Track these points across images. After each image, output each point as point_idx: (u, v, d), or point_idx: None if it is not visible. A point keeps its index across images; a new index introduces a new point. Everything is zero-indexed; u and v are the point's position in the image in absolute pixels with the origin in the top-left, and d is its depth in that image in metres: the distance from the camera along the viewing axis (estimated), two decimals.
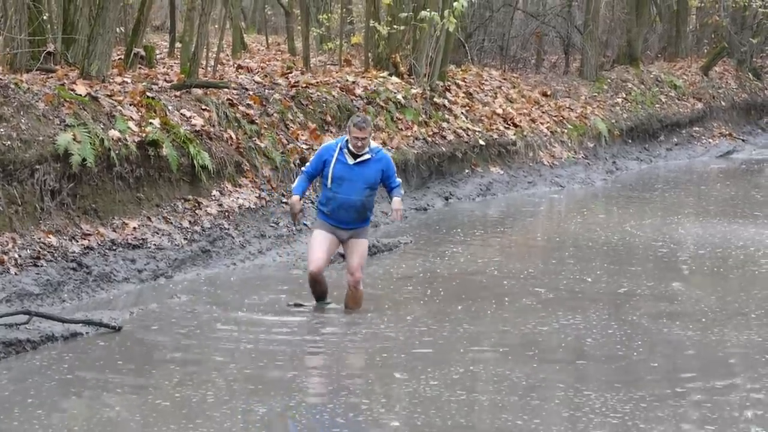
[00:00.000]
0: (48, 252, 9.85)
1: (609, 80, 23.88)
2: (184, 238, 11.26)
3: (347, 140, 9.24)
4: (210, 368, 7.88)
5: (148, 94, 12.28)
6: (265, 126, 13.79)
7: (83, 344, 8.35)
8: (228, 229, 11.87)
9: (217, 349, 8.37)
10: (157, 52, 16.89)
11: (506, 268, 11.69)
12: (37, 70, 12.13)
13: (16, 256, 9.54)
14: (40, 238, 9.93)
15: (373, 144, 9.40)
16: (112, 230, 10.74)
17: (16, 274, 9.34)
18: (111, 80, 12.41)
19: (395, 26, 17.67)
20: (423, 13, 16.91)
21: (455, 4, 16.71)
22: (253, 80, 15.05)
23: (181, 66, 14.50)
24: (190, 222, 11.61)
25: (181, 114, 12.45)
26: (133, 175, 11.26)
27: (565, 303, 10.08)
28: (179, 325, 9.02)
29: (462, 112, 18.05)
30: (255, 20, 27.84)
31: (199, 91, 13.15)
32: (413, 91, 17.13)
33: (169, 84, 13.28)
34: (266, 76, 15.63)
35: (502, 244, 13.41)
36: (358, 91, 16.10)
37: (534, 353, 8.45)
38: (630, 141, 22.63)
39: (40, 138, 10.25)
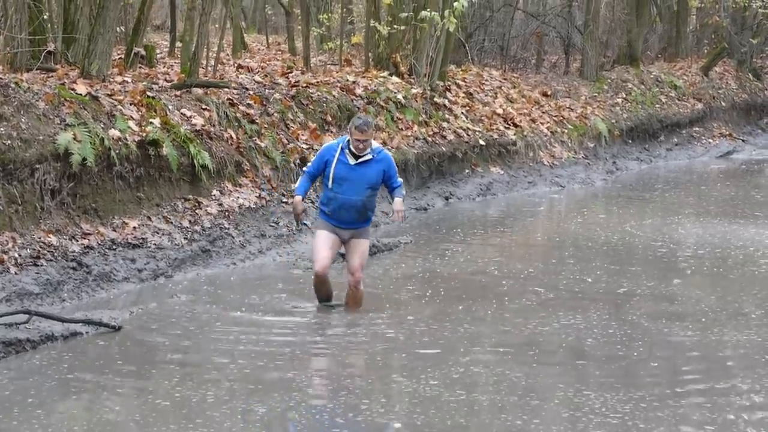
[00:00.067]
0: (48, 251, 9.85)
1: (609, 80, 23.88)
2: (184, 238, 11.26)
3: (348, 140, 9.23)
4: (210, 368, 7.88)
5: (149, 93, 12.28)
6: (266, 126, 13.79)
7: (83, 344, 8.35)
8: (228, 228, 11.87)
9: (217, 349, 8.37)
10: (158, 51, 16.89)
11: (506, 268, 11.70)
12: (37, 69, 12.13)
13: (16, 255, 9.54)
14: (40, 238, 9.93)
15: (375, 144, 9.37)
16: (112, 230, 10.74)
17: (16, 273, 9.34)
18: (111, 80, 12.41)
19: (395, 26, 17.67)
20: (423, 13, 16.91)
21: (455, 4, 16.71)
22: (254, 80, 15.04)
23: (181, 65, 14.50)
24: (190, 221, 11.61)
25: (182, 113, 12.45)
26: (133, 174, 11.26)
27: (565, 303, 10.08)
28: (179, 324, 9.02)
29: (462, 112, 18.05)
30: (255, 20, 27.84)
31: (200, 91, 13.15)
32: (413, 91, 17.13)
33: (170, 83, 13.29)
34: (266, 75, 15.63)
35: (502, 244, 13.41)
36: (359, 90, 16.10)
37: (534, 353, 8.45)
38: (630, 141, 22.63)
39: (41, 137, 10.24)
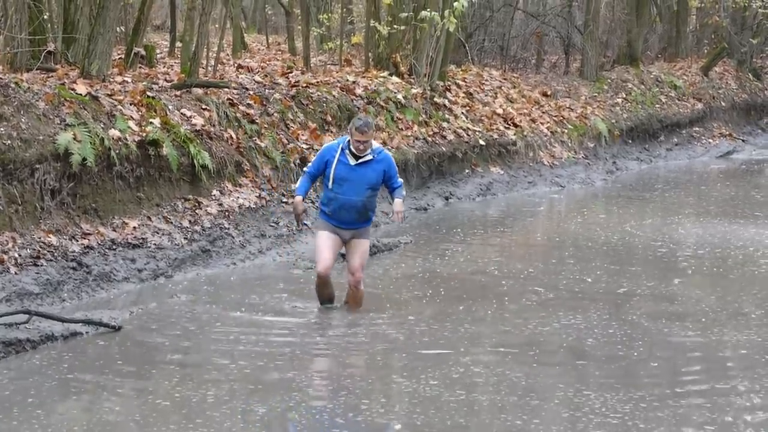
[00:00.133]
0: (48, 251, 9.85)
1: (609, 80, 23.88)
2: (184, 238, 11.26)
3: (349, 141, 9.22)
4: (210, 368, 7.88)
5: (149, 93, 12.27)
6: (266, 126, 13.79)
7: (83, 344, 8.34)
8: (228, 228, 11.86)
9: (217, 349, 8.37)
10: (158, 51, 16.89)
11: (506, 268, 11.69)
12: (37, 69, 12.13)
13: (16, 255, 9.53)
14: (40, 238, 9.93)
15: (375, 144, 9.36)
16: (112, 230, 10.74)
17: (16, 273, 9.34)
18: (111, 80, 12.41)
19: (395, 26, 17.67)
20: (423, 13, 16.91)
21: (455, 4, 16.71)
22: (254, 80, 15.04)
23: (181, 65, 14.50)
24: (190, 221, 11.61)
25: (182, 113, 12.45)
26: (133, 174, 11.26)
27: (566, 303, 10.08)
28: (179, 324, 9.02)
29: (462, 112, 18.05)
30: (255, 20, 27.83)
31: (200, 91, 13.15)
32: (413, 91, 17.13)
33: (170, 83, 13.29)
34: (266, 75, 15.63)
35: (502, 244, 13.40)
36: (359, 90, 16.10)
37: (534, 353, 8.45)
38: (630, 141, 22.63)
39: (41, 137, 10.24)
